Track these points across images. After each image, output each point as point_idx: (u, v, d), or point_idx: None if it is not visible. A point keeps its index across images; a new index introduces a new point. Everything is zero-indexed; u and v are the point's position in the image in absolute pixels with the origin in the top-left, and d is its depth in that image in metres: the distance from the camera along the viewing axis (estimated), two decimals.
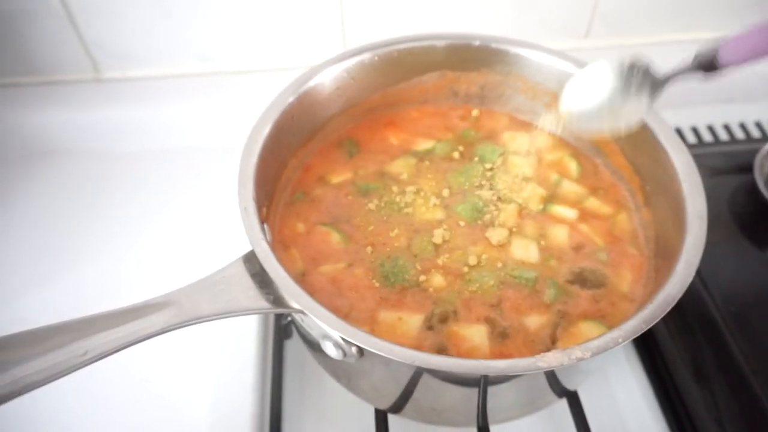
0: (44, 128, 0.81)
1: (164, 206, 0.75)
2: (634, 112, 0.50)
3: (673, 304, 0.40)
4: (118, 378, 0.58)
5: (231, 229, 0.67)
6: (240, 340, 0.61)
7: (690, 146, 0.82)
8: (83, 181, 0.78)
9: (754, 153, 0.72)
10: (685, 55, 0.88)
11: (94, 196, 0.76)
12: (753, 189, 0.69)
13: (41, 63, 0.81)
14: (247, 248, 0.44)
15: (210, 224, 0.70)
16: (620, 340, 0.38)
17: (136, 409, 0.57)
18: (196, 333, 0.59)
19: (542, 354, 0.37)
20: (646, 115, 0.51)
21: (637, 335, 0.38)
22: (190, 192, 0.76)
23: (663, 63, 0.86)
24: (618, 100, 0.51)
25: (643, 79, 0.49)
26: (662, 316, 0.39)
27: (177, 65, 0.84)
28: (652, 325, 0.39)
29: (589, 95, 0.52)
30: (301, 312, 0.41)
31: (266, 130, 0.52)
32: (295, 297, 0.40)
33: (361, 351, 0.41)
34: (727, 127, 0.87)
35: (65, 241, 0.72)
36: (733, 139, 0.85)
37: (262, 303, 0.41)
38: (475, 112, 0.67)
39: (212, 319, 0.39)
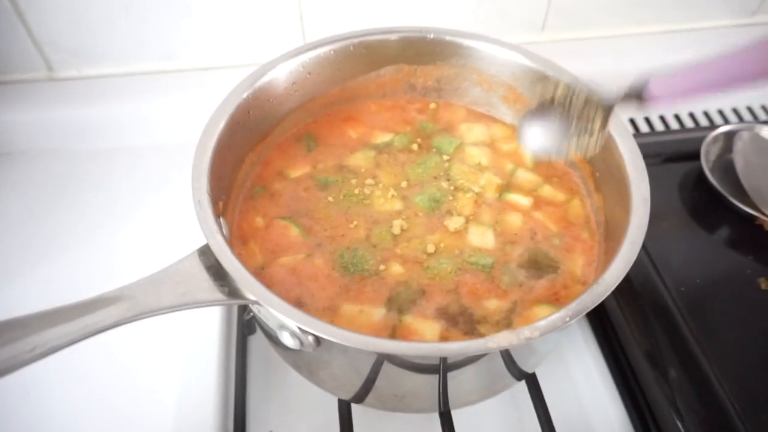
0: None
1: (125, 204, 0.74)
2: (592, 139, 0.50)
3: (616, 283, 0.42)
4: (82, 374, 0.57)
5: (191, 225, 0.67)
6: (203, 337, 0.61)
7: (643, 134, 0.85)
8: (40, 182, 0.77)
9: (701, 141, 0.74)
10: (639, 49, 0.92)
11: (52, 196, 0.75)
12: (700, 175, 0.72)
13: None
14: (204, 242, 0.44)
15: (171, 220, 0.70)
16: (567, 319, 0.39)
17: (100, 405, 0.56)
18: (160, 329, 0.59)
19: (492, 335, 0.38)
20: (602, 142, 0.51)
21: (583, 314, 0.40)
22: (151, 189, 0.75)
23: (619, 58, 0.90)
24: (570, 130, 0.51)
25: (588, 106, 0.50)
26: (606, 295, 0.41)
27: (136, 63, 0.83)
28: (597, 303, 0.40)
29: (541, 132, 0.53)
30: (257, 303, 0.41)
31: (221, 125, 0.52)
32: (250, 288, 0.40)
33: (317, 340, 0.41)
34: (677, 117, 0.90)
35: (23, 241, 0.70)
36: (683, 128, 0.88)
37: (218, 295, 0.41)
38: (432, 105, 0.68)
39: (167, 312, 0.39)
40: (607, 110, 0.49)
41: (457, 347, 0.38)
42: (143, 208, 0.74)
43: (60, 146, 0.81)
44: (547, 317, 0.40)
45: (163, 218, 0.72)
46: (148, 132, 0.81)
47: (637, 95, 0.46)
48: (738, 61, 0.42)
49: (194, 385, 0.58)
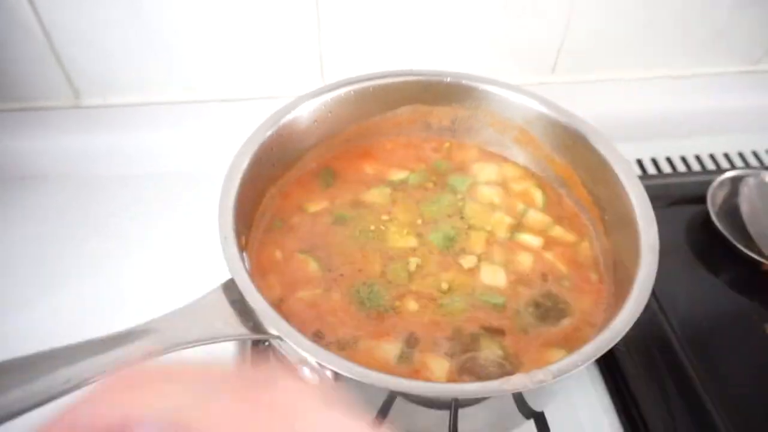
0: (23, 154, 0.81)
1: (143, 232, 0.76)
2: None
3: (626, 330, 0.43)
4: None
5: (210, 256, 0.69)
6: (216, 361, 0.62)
7: (650, 176, 0.87)
8: (61, 206, 0.79)
9: (707, 184, 0.76)
10: (647, 93, 0.94)
11: (74, 221, 0.77)
12: (706, 219, 0.73)
13: (21, 89, 0.82)
14: (226, 276, 0.46)
15: (189, 250, 0.71)
16: (579, 364, 0.40)
17: None
18: (175, 357, 0.60)
19: (507, 377, 0.40)
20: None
21: (595, 358, 0.41)
22: (170, 218, 0.77)
23: (627, 100, 0.92)
24: None
25: None
26: (617, 341, 0.42)
27: (158, 93, 0.86)
28: (608, 349, 0.42)
29: None
30: (279, 338, 0.42)
31: (246, 162, 0.54)
32: (274, 324, 0.42)
33: (336, 375, 0.42)
34: (683, 159, 0.92)
35: (43, 266, 0.72)
36: (689, 171, 0.90)
37: (242, 330, 0.43)
38: (446, 144, 0.71)
39: (193, 346, 0.40)
40: None
41: (473, 388, 0.40)
42: (158, 236, 0.75)
43: (81, 172, 0.83)
44: (560, 361, 0.41)
45: (179, 247, 0.73)
46: (166, 160, 0.83)
47: None
48: None
49: None
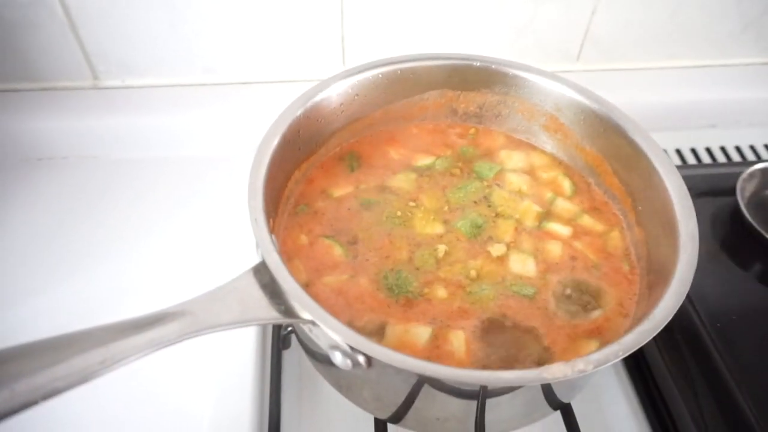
0: (41, 134, 0.81)
1: (162, 215, 0.75)
2: None
3: (669, 318, 0.42)
4: (120, 385, 0.58)
5: (233, 239, 0.68)
6: (239, 351, 0.62)
7: (677, 167, 0.86)
8: (80, 188, 0.78)
9: (735, 176, 0.75)
10: (672, 83, 0.93)
11: (91, 203, 0.76)
12: (736, 211, 0.72)
13: (41, 69, 0.81)
14: (253, 259, 0.45)
15: (210, 234, 0.71)
16: (620, 353, 0.40)
17: (137, 417, 0.57)
18: (197, 344, 0.59)
19: (547, 366, 0.39)
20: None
21: (636, 348, 0.40)
22: (190, 201, 0.76)
23: (651, 90, 0.91)
24: None
25: None
26: (660, 329, 0.41)
27: (178, 75, 0.85)
28: (650, 338, 0.41)
29: None
30: (311, 322, 0.42)
31: (275, 142, 0.53)
32: (307, 307, 0.41)
33: (369, 361, 0.41)
34: (708, 150, 0.90)
35: (61, 248, 0.71)
36: (714, 162, 0.88)
37: (274, 313, 0.42)
38: (472, 131, 0.69)
39: (226, 329, 0.40)
40: None
41: (513, 376, 0.39)
42: (177, 220, 0.75)
43: (100, 154, 0.82)
44: (600, 350, 0.40)
45: (199, 231, 0.73)
46: (185, 143, 0.83)
47: None
48: None
49: (229, 401, 0.58)
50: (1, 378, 0.31)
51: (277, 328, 0.65)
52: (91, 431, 0.56)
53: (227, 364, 0.61)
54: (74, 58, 0.80)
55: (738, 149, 0.91)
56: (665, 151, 0.89)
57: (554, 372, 0.38)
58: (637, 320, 0.45)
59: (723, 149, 0.91)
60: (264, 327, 0.65)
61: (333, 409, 0.60)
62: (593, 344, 0.50)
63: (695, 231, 0.48)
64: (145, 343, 0.36)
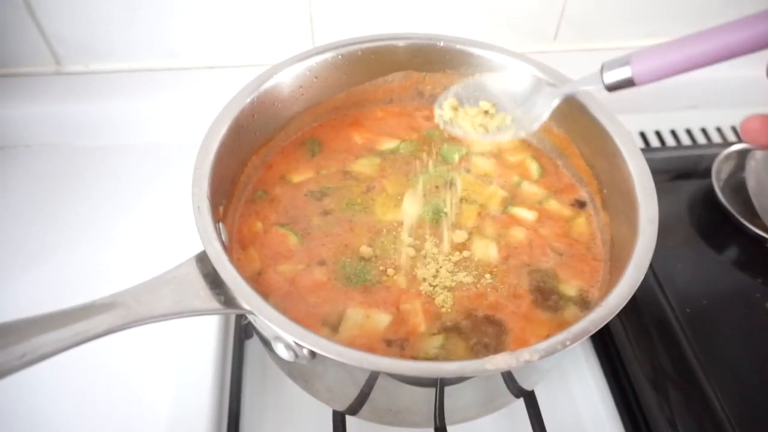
0: (2, 122, 0.78)
1: (125, 202, 0.73)
2: (527, 122, 0.49)
3: (620, 307, 0.41)
4: (72, 381, 0.57)
5: (190, 227, 0.66)
6: (200, 339, 0.61)
7: (653, 149, 0.84)
8: (41, 176, 0.77)
9: (713, 158, 0.73)
10: None
11: (54, 191, 0.75)
12: (711, 193, 0.70)
13: (1, 55, 0.79)
14: (202, 248, 0.44)
15: (170, 222, 0.69)
16: (567, 343, 0.38)
17: (92, 412, 0.56)
18: (156, 332, 0.58)
19: (491, 356, 0.37)
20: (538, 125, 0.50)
21: (584, 338, 0.39)
22: (152, 188, 0.75)
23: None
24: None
25: (540, 90, 0.49)
26: (609, 319, 0.40)
27: (143, 60, 0.82)
28: (599, 328, 0.39)
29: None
30: (252, 313, 0.40)
31: (224, 129, 0.51)
32: (246, 298, 0.40)
33: (312, 353, 0.40)
34: (689, 132, 0.88)
35: (23, 236, 0.70)
36: (694, 144, 0.87)
37: (213, 304, 0.40)
38: None
39: (161, 320, 0.38)
40: (559, 95, 0.48)
41: (455, 367, 0.37)
42: (142, 208, 0.73)
43: (63, 141, 0.80)
44: (547, 339, 0.39)
45: (163, 219, 0.71)
46: (151, 130, 0.81)
47: (617, 77, 0.43)
48: (729, 32, 0.39)
49: (190, 390, 0.57)
50: None
51: (239, 317, 0.63)
52: (49, 420, 0.55)
53: (189, 352, 0.60)
54: (34, 43, 0.77)
55: (719, 130, 0.89)
56: (642, 132, 0.87)
57: (498, 363, 0.37)
58: (593, 308, 0.44)
59: (704, 131, 0.89)
60: (227, 316, 0.64)
61: (295, 399, 0.59)
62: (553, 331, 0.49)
63: (655, 214, 0.46)
64: (69, 337, 0.34)
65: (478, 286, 0.52)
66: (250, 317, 0.45)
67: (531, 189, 0.60)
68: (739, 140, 0.87)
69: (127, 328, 0.37)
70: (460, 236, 0.55)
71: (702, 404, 0.55)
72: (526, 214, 0.58)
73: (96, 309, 0.37)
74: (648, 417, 0.58)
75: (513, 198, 0.60)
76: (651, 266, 0.63)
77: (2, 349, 0.33)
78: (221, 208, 0.51)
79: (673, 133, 0.88)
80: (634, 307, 0.62)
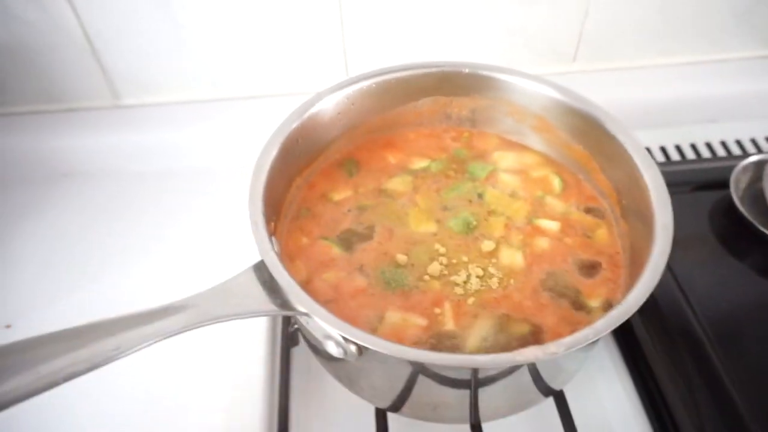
0: (65, 152, 0.86)
1: (178, 222, 0.80)
2: None
3: (638, 305, 0.44)
4: (132, 380, 0.62)
5: (240, 244, 0.72)
6: (250, 348, 0.66)
7: (673, 163, 0.87)
8: (102, 200, 0.84)
9: (731, 169, 0.76)
10: (669, 79, 0.94)
11: (112, 213, 0.82)
12: (730, 204, 0.73)
13: (63, 92, 0.87)
14: (257, 259, 0.49)
15: (220, 239, 0.75)
16: (591, 337, 0.42)
17: (149, 412, 0.61)
18: (210, 340, 0.64)
19: (520, 350, 0.42)
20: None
21: (606, 332, 0.43)
22: (202, 209, 0.81)
23: (649, 86, 0.92)
24: None
25: None
26: (628, 316, 0.44)
27: (190, 91, 0.90)
28: (619, 324, 0.43)
29: None
30: (306, 314, 0.45)
31: (273, 152, 0.57)
32: (301, 301, 0.45)
33: (360, 349, 0.45)
34: (708, 145, 0.91)
35: (85, 256, 0.76)
36: (714, 157, 0.90)
37: (271, 306, 0.46)
38: (465, 134, 0.72)
39: (227, 320, 0.44)
40: None
41: (488, 359, 0.42)
42: (195, 229, 0.79)
43: (119, 168, 0.88)
44: (571, 334, 0.43)
45: (216, 239, 0.77)
46: (198, 156, 0.88)
47: None
48: None
49: (241, 394, 0.62)
50: (26, 362, 0.35)
51: (286, 326, 0.69)
52: (103, 426, 0.60)
53: (239, 360, 0.65)
54: (95, 80, 0.85)
55: (739, 143, 0.92)
56: (663, 147, 0.91)
57: (527, 355, 0.41)
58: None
59: (723, 143, 0.92)
60: (273, 325, 0.69)
61: (339, 401, 0.64)
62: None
63: (670, 221, 0.50)
64: (153, 333, 0.40)
65: (506, 291, 0.56)
66: (302, 319, 0.50)
67: (554, 202, 0.65)
68: (759, 151, 0.90)
69: (199, 326, 0.43)
70: (488, 246, 0.60)
71: (726, 404, 0.58)
72: (550, 225, 0.62)
73: (173, 310, 0.42)
74: (674, 417, 0.60)
75: (537, 210, 0.64)
76: (673, 274, 0.67)
77: (99, 341, 0.38)
78: (272, 224, 0.56)
79: (693, 146, 0.91)
80: (657, 314, 0.65)
